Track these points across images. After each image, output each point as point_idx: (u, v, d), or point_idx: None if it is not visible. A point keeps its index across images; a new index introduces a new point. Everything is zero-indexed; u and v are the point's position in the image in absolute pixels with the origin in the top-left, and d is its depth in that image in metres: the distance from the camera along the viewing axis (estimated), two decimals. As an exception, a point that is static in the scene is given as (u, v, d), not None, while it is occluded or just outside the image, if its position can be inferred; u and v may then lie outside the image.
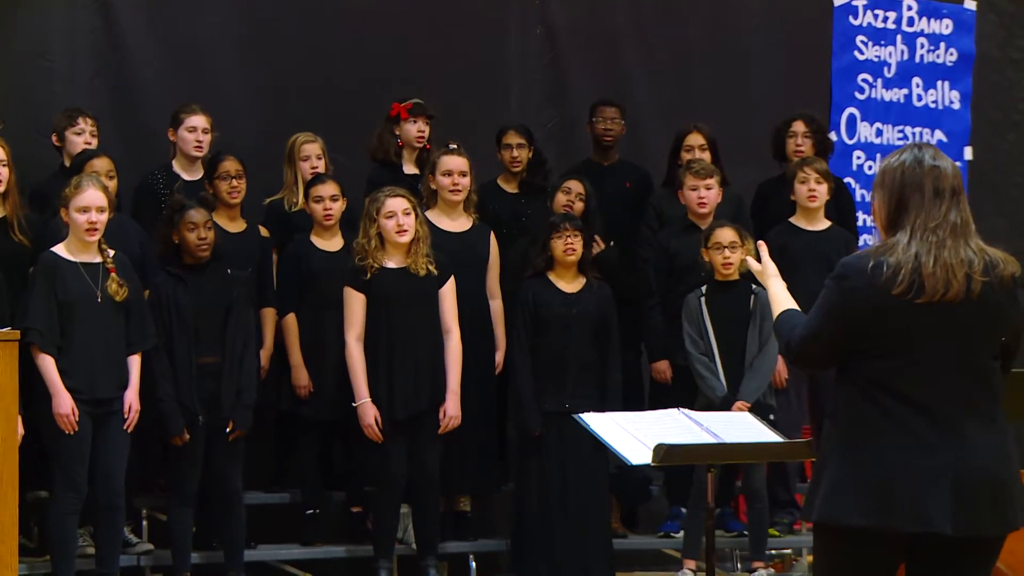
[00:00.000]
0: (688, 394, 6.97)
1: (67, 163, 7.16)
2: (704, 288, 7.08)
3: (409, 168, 7.69)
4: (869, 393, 3.65)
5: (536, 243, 7.24)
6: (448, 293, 6.98)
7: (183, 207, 6.80)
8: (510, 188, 7.82)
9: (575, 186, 7.47)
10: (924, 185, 3.68)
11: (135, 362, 6.58)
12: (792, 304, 3.90)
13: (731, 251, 6.99)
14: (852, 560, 3.68)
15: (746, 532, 7.33)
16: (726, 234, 7.03)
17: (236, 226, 7.23)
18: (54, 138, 7.30)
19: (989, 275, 3.66)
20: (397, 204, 6.88)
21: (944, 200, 3.68)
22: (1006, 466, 3.67)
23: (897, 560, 3.70)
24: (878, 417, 3.64)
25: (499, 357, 7.36)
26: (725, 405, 6.78)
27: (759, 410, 6.49)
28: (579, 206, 7.40)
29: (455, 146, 7.31)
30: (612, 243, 7.61)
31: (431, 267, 6.93)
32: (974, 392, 3.66)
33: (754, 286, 7.00)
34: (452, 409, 6.95)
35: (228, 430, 6.78)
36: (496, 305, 7.39)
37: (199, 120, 7.33)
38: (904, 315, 3.63)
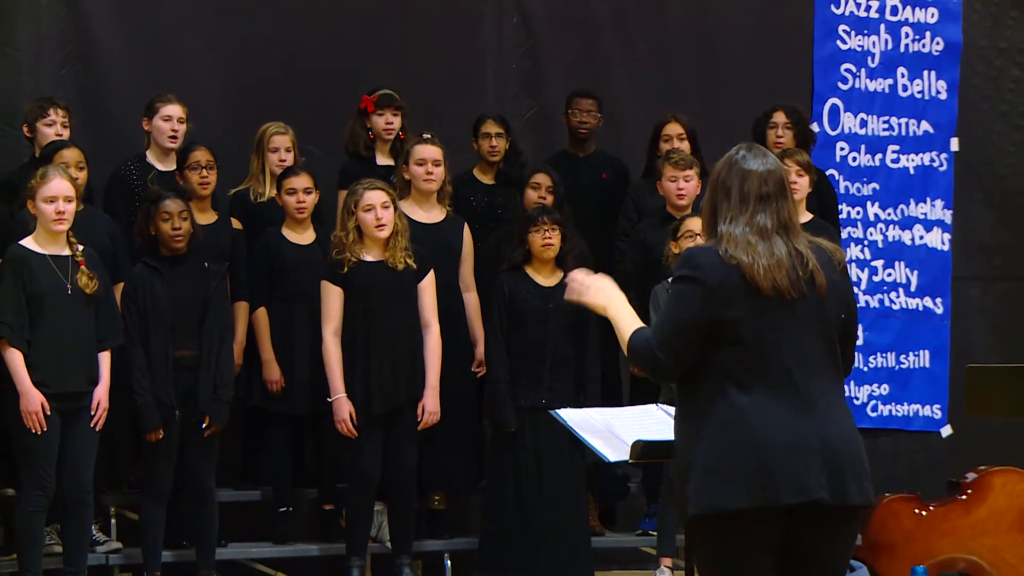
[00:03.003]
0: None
1: (37, 154, 7.24)
2: (671, 279, 7.18)
3: (383, 159, 7.79)
4: (725, 380, 3.89)
5: (512, 236, 7.37)
6: (427, 287, 7.14)
7: (159, 197, 6.91)
8: (486, 179, 7.96)
9: (543, 180, 7.59)
10: (731, 193, 3.98)
11: (105, 359, 6.70)
12: (640, 323, 4.09)
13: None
14: (739, 545, 3.88)
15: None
16: (697, 223, 7.13)
17: (207, 217, 7.35)
18: (25, 129, 7.40)
19: (817, 262, 3.94)
20: (376, 197, 7.01)
21: (749, 205, 3.96)
22: (857, 441, 3.98)
23: (779, 537, 3.90)
24: (740, 400, 3.87)
25: (479, 352, 7.51)
26: None
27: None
28: (550, 199, 7.53)
29: (429, 135, 7.43)
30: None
31: (409, 260, 7.05)
32: (822, 373, 3.94)
33: None
34: (431, 405, 7.10)
35: (204, 425, 6.90)
36: (471, 298, 7.55)
37: (174, 110, 7.44)
38: (750, 302, 3.90)
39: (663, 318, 3.99)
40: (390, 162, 7.78)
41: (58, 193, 6.55)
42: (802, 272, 3.94)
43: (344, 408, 7.04)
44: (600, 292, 4.24)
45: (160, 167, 7.52)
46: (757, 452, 3.86)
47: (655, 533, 7.58)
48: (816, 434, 3.90)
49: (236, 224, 7.55)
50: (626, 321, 4.12)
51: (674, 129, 7.92)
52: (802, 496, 3.86)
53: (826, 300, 3.97)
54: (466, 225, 7.58)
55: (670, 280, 7.08)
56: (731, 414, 3.89)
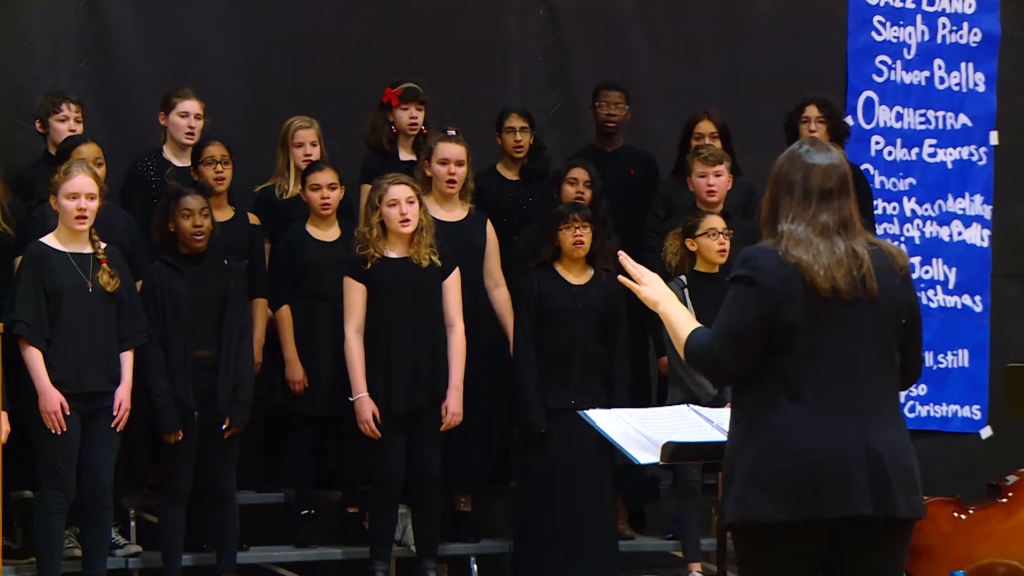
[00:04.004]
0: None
1: (51, 150, 7.29)
2: (685, 279, 7.20)
3: (405, 154, 7.79)
4: (775, 386, 3.89)
5: (544, 232, 7.37)
6: (452, 285, 7.14)
7: (179, 193, 6.91)
8: (511, 175, 7.97)
9: (580, 174, 7.59)
10: (793, 189, 3.95)
11: (128, 358, 6.73)
12: (696, 323, 4.07)
13: (725, 237, 7.16)
14: (777, 557, 3.88)
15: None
16: (719, 221, 7.18)
17: (223, 214, 7.35)
18: (37, 124, 7.42)
19: (878, 265, 3.93)
20: (400, 192, 7.02)
21: (812, 203, 3.94)
22: (909, 453, 3.97)
23: (821, 549, 3.90)
24: (787, 407, 3.87)
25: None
26: (715, 406, 6.89)
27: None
28: (588, 195, 7.54)
29: (453, 132, 7.44)
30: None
31: (434, 258, 7.06)
32: (877, 381, 3.93)
33: None
34: (454, 406, 7.11)
35: (224, 427, 6.91)
36: (501, 293, 7.54)
37: (192, 105, 7.47)
38: (807, 304, 3.88)
39: (723, 320, 3.96)
40: (413, 157, 7.77)
41: (80, 190, 6.58)
42: (856, 274, 3.92)
43: (367, 408, 7.05)
44: (656, 286, 4.22)
45: (177, 163, 7.55)
46: (800, 464, 3.85)
47: (685, 536, 7.60)
48: (865, 446, 3.89)
49: (254, 220, 7.57)
50: (681, 321, 4.11)
51: (706, 127, 7.92)
52: (844, 510, 3.87)
53: (881, 305, 3.95)
54: (489, 221, 7.58)
55: (683, 278, 7.13)
56: (778, 422, 3.88)
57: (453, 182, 7.40)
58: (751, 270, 3.92)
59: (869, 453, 3.89)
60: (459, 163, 7.42)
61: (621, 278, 4.29)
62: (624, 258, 4.31)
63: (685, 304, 7.11)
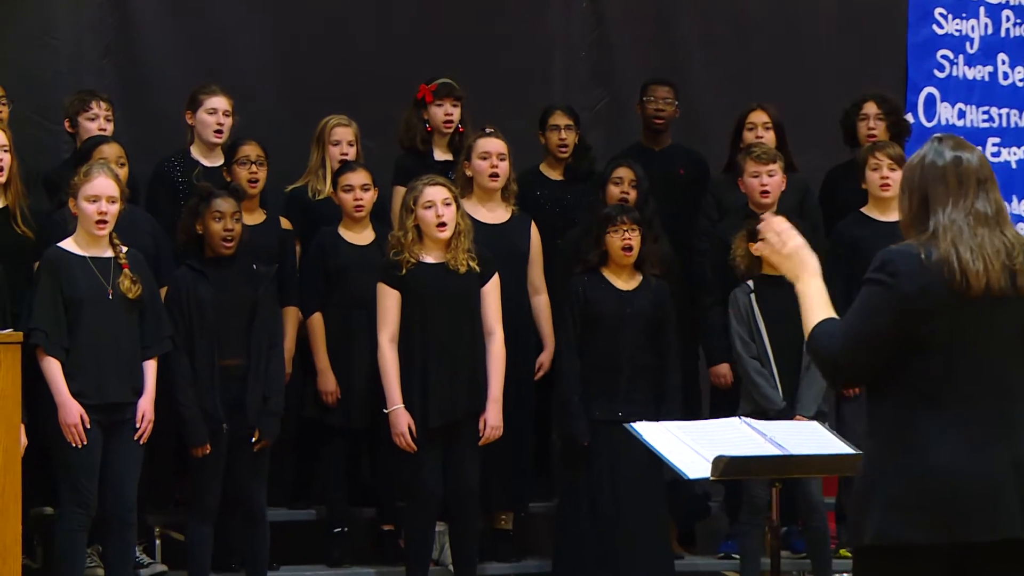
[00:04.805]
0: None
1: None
2: (752, 283, 7.16)
3: (440, 154, 7.78)
4: (914, 397, 3.80)
5: (589, 234, 7.33)
6: (491, 292, 7.08)
7: (210, 195, 6.88)
8: (554, 175, 7.94)
9: (625, 174, 7.55)
10: (947, 176, 3.86)
11: (151, 368, 6.68)
12: (831, 310, 3.96)
13: None
14: None
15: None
16: (785, 223, 7.12)
17: (255, 217, 7.33)
18: (66, 124, 7.42)
19: None
20: (437, 193, 6.97)
21: (969, 190, 3.86)
22: None
23: (952, 573, 3.83)
24: (928, 422, 3.78)
25: (544, 358, 7.49)
26: (781, 418, 6.83)
27: (821, 420, 6.56)
28: (633, 195, 7.50)
29: (491, 129, 7.42)
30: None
31: (472, 263, 7.01)
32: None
33: None
34: (493, 419, 7.05)
35: (253, 440, 6.86)
36: (541, 300, 7.52)
37: (220, 102, 7.45)
38: (951, 309, 3.79)
39: (852, 322, 3.86)
40: (449, 157, 7.77)
41: (101, 192, 6.54)
42: (1009, 266, 3.83)
43: (402, 420, 6.99)
44: (797, 256, 4.06)
45: (206, 163, 7.52)
46: (944, 483, 3.77)
47: (738, 556, 7.50)
48: (1013, 462, 3.80)
49: (285, 224, 7.53)
50: (815, 305, 3.96)
51: (759, 117, 7.86)
52: (997, 533, 3.78)
53: None
54: (533, 224, 7.55)
55: (750, 283, 7.02)
56: (918, 437, 3.80)
57: (496, 175, 7.37)
58: (888, 275, 3.82)
59: (1018, 470, 3.80)
60: (501, 157, 7.39)
61: (754, 247, 4.16)
62: (770, 222, 4.16)
63: (752, 312, 7.02)
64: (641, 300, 7.22)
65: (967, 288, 3.78)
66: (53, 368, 6.52)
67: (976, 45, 9.01)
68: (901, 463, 3.80)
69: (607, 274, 7.26)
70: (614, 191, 7.54)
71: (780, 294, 6.77)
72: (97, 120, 7.32)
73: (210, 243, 6.88)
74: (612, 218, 7.21)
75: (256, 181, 7.34)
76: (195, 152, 7.55)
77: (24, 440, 6.36)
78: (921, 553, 3.78)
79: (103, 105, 7.36)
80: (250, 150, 7.35)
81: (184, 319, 6.83)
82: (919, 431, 3.79)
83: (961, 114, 8.99)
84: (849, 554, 7.58)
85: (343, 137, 7.63)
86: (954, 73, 8.97)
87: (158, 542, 7.30)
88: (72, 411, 6.48)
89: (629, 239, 7.17)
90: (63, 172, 7.21)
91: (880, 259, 3.86)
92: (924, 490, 3.77)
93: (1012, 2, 9.07)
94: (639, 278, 7.23)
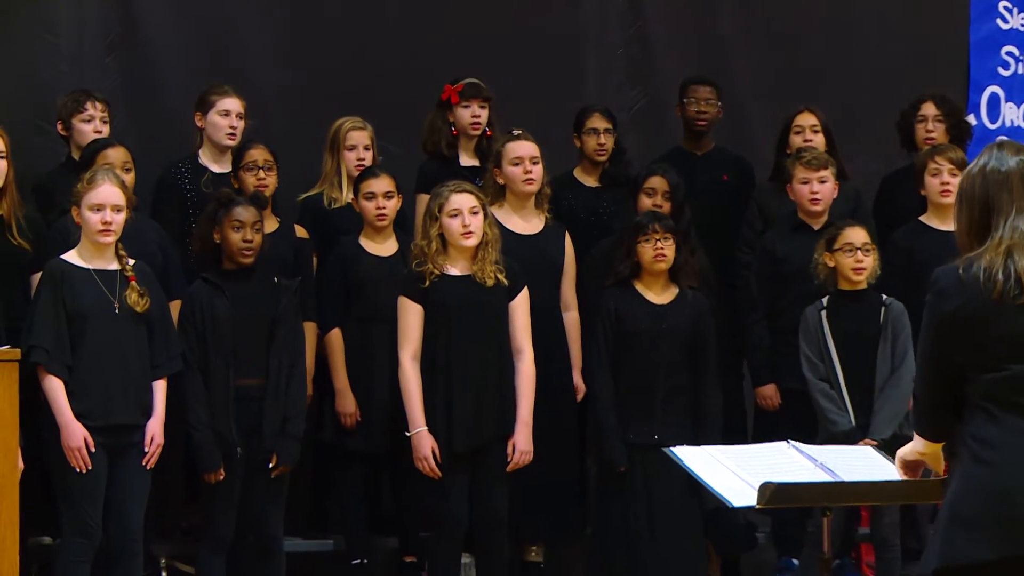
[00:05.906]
0: (798, 423, 6.99)
1: (74, 155, 7.28)
2: (825, 300, 7.13)
3: (467, 159, 7.79)
4: (977, 412, 3.86)
5: (621, 245, 7.28)
6: (520, 306, 7.03)
7: (231, 202, 6.86)
8: (590, 181, 7.92)
9: (659, 184, 7.51)
10: (1012, 183, 3.91)
11: (160, 388, 6.66)
12: None
13: (864, 254, 7.07)
14: None
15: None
16: (858, 234, 7.13)
17: (268, 225, 7.21)
18: (59, 126, 7.43)
19: None
20: (463, 201, 6.91)
21: None
22: None
23: None
24: (990, 435, 3.84)
25: (577, 379, 7.45)
26: (851, 441, 6.78)
27: (896, 445, 6.46)
28: (667, 207, 7.45)
29: (519, 132, 7.43)
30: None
31: (500, 276, 6.97)
32: None
33: (884, 296, 7.04)
34: (523, 443, 7.00)
35: (271, 465, 6.83)
36: (571, 317, 7.49)
37: (232, 103, 7.46)
38: (1006, 319, 3.84)
39: (919, 350, 4.03)
40: (475, 162, 7.76)
41: (106, 201, 6.52)
42: None
43: (425, 444, 6.94)
44: (913, 454, 4.19)
45: (215, 168, 7.51)
46: (1007, 497, 3.82)
47: (788, 591, 7.51)
48: None
49: (301, 232, 7.54)
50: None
51: (807, 120, 7.86)
52: None
53: None
54: (567, 234, 7.54)
55: (824, 301, 6.92)
56: (979, 452, 3.87)
57: (532, 180, 7.37)
58: (933, 295, 3.94)
59: None
60: (534, 160, 7.41)
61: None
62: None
63: (822, 331, 7.04)
64: (677, 315, 7.18)
65: (1017, 293, 3.83)
66: (55, 387, 6.49)
67: (1045, 41, 9.11)
68: (963, 479, 3.87)
69: (640, 287, 7.22)
70: (646, 202, 7.52)
71: (852, 312, 7.10)
72: (92, 122, 7.33)
73: (228, 253, 6.86)
74: (643, 226, 7.19)
75: (264, 187, 7.34)
76: (204, 157, 7.55)
77: (21, 464, 6.30)
78: (990, 570, 3.82)
79: (99, 106, 7.37)
80: (257, 154, 7.36)
81: (198, 336, 6.82)
82: (978, 444, 3.86)
83: (1027, 115, 9.04)
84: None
85: (359, 141, 7.62)
86: (1020, 71, 8.99)
87: (164, 574, 7.31)
88: (75, 433, 6.45)
89: (662, 248, 7.14)
90: (55, 178, 7.26)
91: (932, 278, 3.96)
92: (985, 506, 3.82)
93: (1083, -6, 9.19)
94: (674, 291, 7.19)
